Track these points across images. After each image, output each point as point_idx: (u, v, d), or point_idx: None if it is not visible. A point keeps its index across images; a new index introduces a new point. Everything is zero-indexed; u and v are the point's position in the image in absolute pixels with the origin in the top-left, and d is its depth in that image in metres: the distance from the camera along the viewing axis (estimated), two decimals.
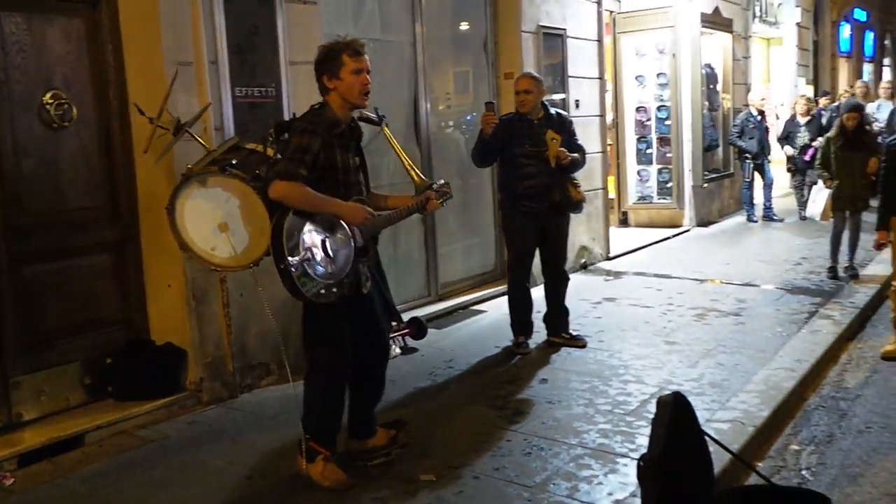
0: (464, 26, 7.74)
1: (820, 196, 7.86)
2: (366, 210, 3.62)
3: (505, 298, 7.25)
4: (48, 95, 4.46)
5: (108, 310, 4.81)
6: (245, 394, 5.04)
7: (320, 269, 3.49)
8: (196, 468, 4.01)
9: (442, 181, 4.09)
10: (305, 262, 3.44)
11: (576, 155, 5.59)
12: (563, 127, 5.59)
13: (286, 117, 5.18)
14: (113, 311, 4.83)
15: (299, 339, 5.19)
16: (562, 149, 5.46)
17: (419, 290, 7.02)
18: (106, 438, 4.40)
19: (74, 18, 4.57)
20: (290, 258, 3.39)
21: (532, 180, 5.46)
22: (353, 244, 3.63)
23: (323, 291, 3.50)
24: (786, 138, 11.16)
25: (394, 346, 5.72)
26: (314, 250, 3.49)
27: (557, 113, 5.72)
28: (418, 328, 5.98)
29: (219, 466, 4.00)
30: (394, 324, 5.78)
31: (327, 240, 3.54)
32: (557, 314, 5.87)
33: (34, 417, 4.45)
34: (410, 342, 5.93)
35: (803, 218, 10.49)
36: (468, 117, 7.82)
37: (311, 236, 3.49)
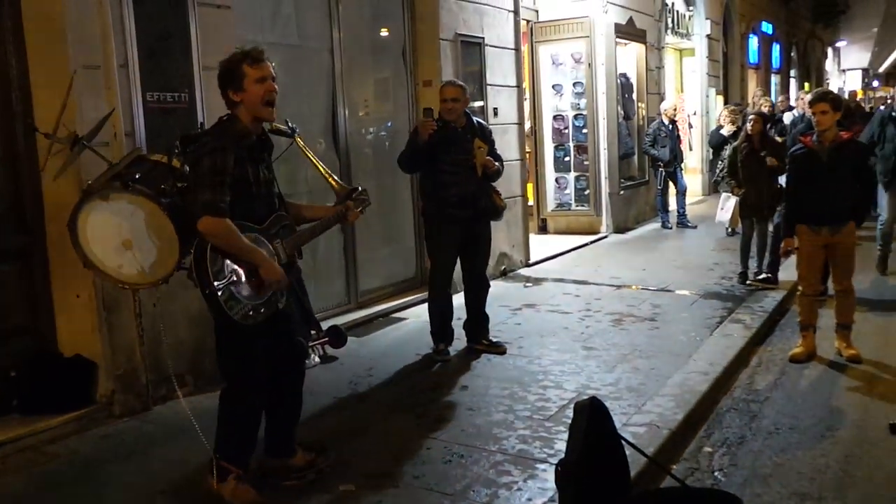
0: (383, 33, 7.74)
1: (728, 203, 8.14)
2: (283, 278, 3.54)
3: (425, 306, 7.34)
4: None
5: (13, 320, 4.64)
6: (159, 406, 4.92)
7: (245, 292, 3.44)
8: (108, 484, 3.90)
9: (359, 188, 4.08)
10: (231, 285, 3.39)
11: (498, 165, 5.69)
12: (485, 136, 5.69)
13: (199, 123, 5.12)
14: (18, 321, 4.67)
15: (214, 349, 5.17)
16: (488, 157, 5.54)
17: (338, 298, 6.99)
18: (11, 455, 4.24)
19: None
20: (215, 283, 3.33)
21: (457, 188, 5.51)
22: (277, 262, 3.57)
23: (251, 313, 3.45)
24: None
25: (313, 355, 5.67)
26: (239, 273, 3.43)
27: (479, 122, 5.79)
28: (337, 337, 5.94)
29: (132, 481, 3.90)
30: (313, 332, 5.78)
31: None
32: (478, 321, 5.93)
33: None
34: (330, 351, 5.88)
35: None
36: (387, 124, 7.83)
37: (237, 259, 3.43)
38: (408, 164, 5.73)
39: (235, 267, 3.42)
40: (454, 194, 5.52)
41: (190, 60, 5.14)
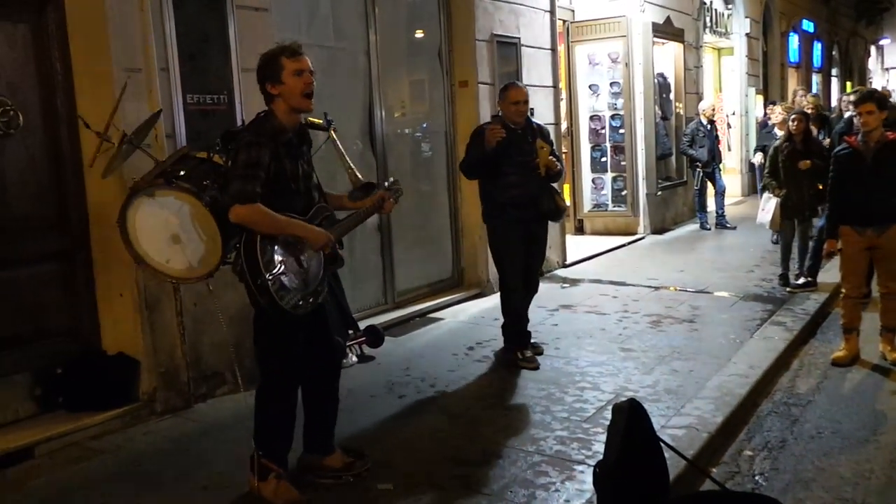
0: (418, 35, 7.76)
1: (769, 204, 8.02)
2: (328, 236, 3.60)
3: (462, 306, 7.40)
4: None
5: (59, 320, 4.72)
6: (200, 404, 4.98)
7: (296, 280, 3.49)
8: (150, 480, 3.95)
9: (391, 179, 4.10)
10: (281, 276, 3.44)
11: (560, 165, 5.68)
12: (545, 137, 5.64)
13: (238, 122, 5.17)
14: (63, 320, 4.74)
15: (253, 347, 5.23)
16: (551, 157, 5.52)
17: (376, 298, 7.01)
18: (57, 450, 4.32)
19: (19, 24, 4.49)
20: (266, 274, 3.37)
21: (520, 189, 5.45)
22: (321, 252, 3.64)
23: (301, 302, 3.50)
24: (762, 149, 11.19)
25: (350, 355, 5.71)
26: (288, 263, 3.48)
27: (537, 123, 5.75)
28: (375, 336, 5.97)
29: (173, 478, 3.95)
30: (350, 332, 5.80)
31: (299, 251, 3.54)
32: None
33: None
34: (367, 350, 5.91)
35: None
36: (424, 125, 7.85)
37: (285, 249, 3.48)
38: (474, 171, 5.61)
39: (284, 258, 3.47)
40: (518, 196, 5.45)
41: (228, 63, 5.20)
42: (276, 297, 3.39)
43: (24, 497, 3.83)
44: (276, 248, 3.45)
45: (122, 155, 3.97)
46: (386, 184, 4.07)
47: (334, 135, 4.29)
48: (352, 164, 4.36)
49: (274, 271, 3.40)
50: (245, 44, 5.26)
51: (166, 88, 4.83)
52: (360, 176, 4.27)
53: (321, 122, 4.13)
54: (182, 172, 3.67)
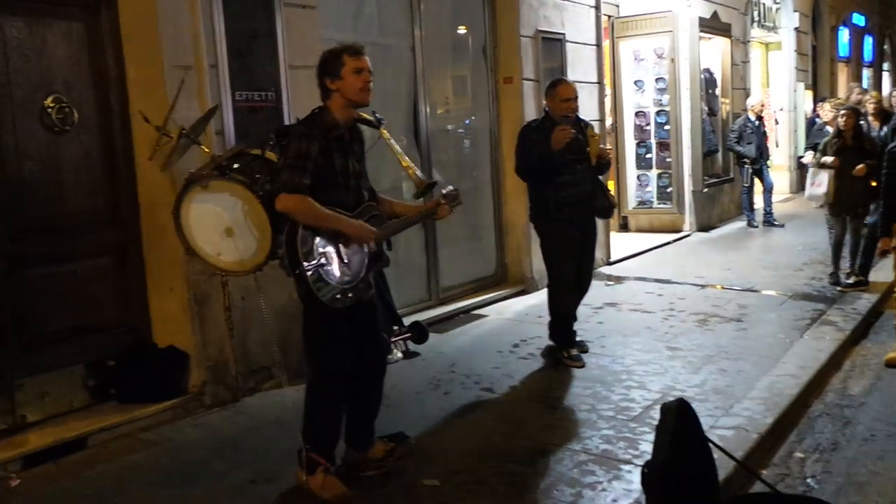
0: (463, 31, 7.75)
1: (820, 177, 7.66)
2: (371, 231, 3.62)
3: (506, 303, 7.39)
4: (49, 99, 4.47)
5: (110, 312, 4.81)
6: (247, 397, 5.04)
7: (335, 274, 3.52)
8: (200, 472, 4.00)
9: (451, 187, 4.07)
10: (320, 268, 3.46)
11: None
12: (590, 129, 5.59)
13: (286, 121, 5.22)
14: (115, 313, 4.83)
15: (301, 343, 5.26)
16: (602, 145, 5.45)
17: (420, 294, 7.03)
18: (109, 441, 4.41)
19: (75, 22, 4.58)
20: (304, 263, 3.41)
21: (574, 188, 5.39)
22: (366, 249, 3.66)
23: (339, 296, 3.52)
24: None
25: (395, 351, 5.73)
26: (329, 255, 3.51)
27: (582, 119, 5.69)
28: (420, 333, 5.98)
29: (222, 470, 4.00)
30: (395, 328, 5.83)
31: (341, 245, 3.56)
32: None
33: (38, 419, 4.46)
34: (412, 346, 5.92)
35: None
36: (468, 121, 7.84)
37: (325, 241, 3.51)
38: (533, 171, 5.47)
39: (325, 250, 3.50)
40: (573, 195, 5.38)
41: (276, 60, 5.23)
42: (313, 288, 3.43)
43: (80, 485, 3.91)
44: (317, 239, 3.49)
45: (180, 149, 4.07)
46: (444, 191, 4.03)
47: (386, 133, 4.30)
48: (411, 163, 4.36)
49: (313, 262, 3.44)
50: (292, 41, 5.30)
51: (215, 85, 4.88)
52: (421, 175, 4.26)
53: (372, 118, 4.14)
54: (236, 166, 3.75)
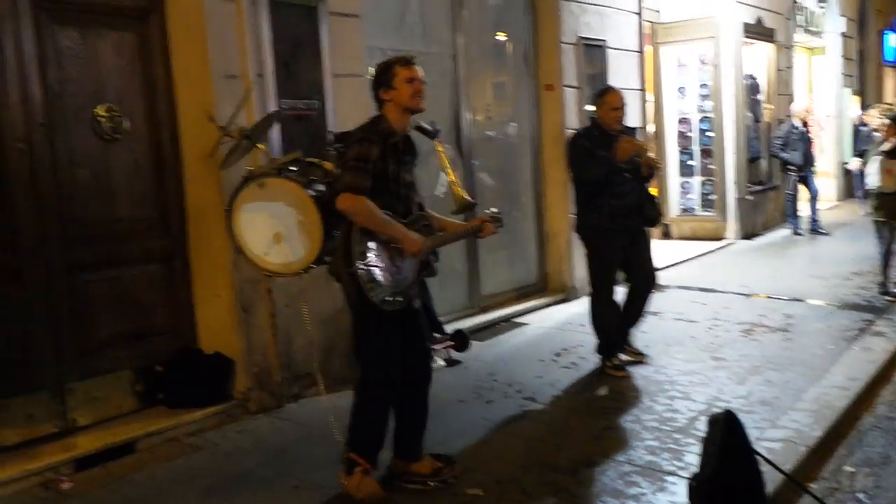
0: (504, 38, 7.76)
1: (873, 167, 7.46)
2: (421, 244, 3.66)
3: (547, 311, 7.39)
4: (101, 108, 4.56)
5: (158, 319, 4.89)
6: (291, 404, 5.08)
7: (387, 276, 3.58)
8: (245, 478, 4.05)
9: (494, 209, 4.08)
10: (373, 268, 3.53)
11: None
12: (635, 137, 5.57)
13: (330, 130, 5.27)
14: (163, 319, 4.91)
15: (344, 350, 5.30)
16: (650, 154, 5.43)
17: (462, 302, 7.05)
18: (157, 445, 4.48)
19: (126, 32, 4.68)
20: (358, 262, 3.48)
21: (626, 198, 5.35)
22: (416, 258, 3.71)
23: (389, 298, 3.58)
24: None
25: (437, 359, 5.74)
26: (382, 258, 3.57)
27: (626, 125, 5.65)
28: (462, 340, 5.99)
29: (267, 477, 4.04)
30: (437, 335, 5.84)
31: (395, 250, 3.62)
32: (632, 323, 5.75)
33: (88, 423, 4.55)
34: (454, 355, 5.93)
35: None
36: (509, 129, 7.85)
37: (379, 244, 3.57)
38: (593, 183, 5.36)
39: (379, 253, 3.56)
40: (625, 205, 5.35)
41: (320, 69, 5.29)
42: (365, 288, 3.50)
43: (128, 489, 3.98)
44: (371, 241, 3.55)
45: (241, 150, 4.20)
46: (488, 212, 4.06)
47: (440, 146, 4.32)
48: (456, 179, 4.39)
49: (366, 262, 3.51)
50: (336, 50, 5.36)
51: (261, 94, 4.95)
52: (464, 194, 4.27)
53: (429, 128, 4.18)
54: (293, 168, 3.91)
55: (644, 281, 5.64)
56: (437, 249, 3.91)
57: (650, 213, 5.50)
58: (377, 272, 3.54)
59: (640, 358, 5.72)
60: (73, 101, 4.45)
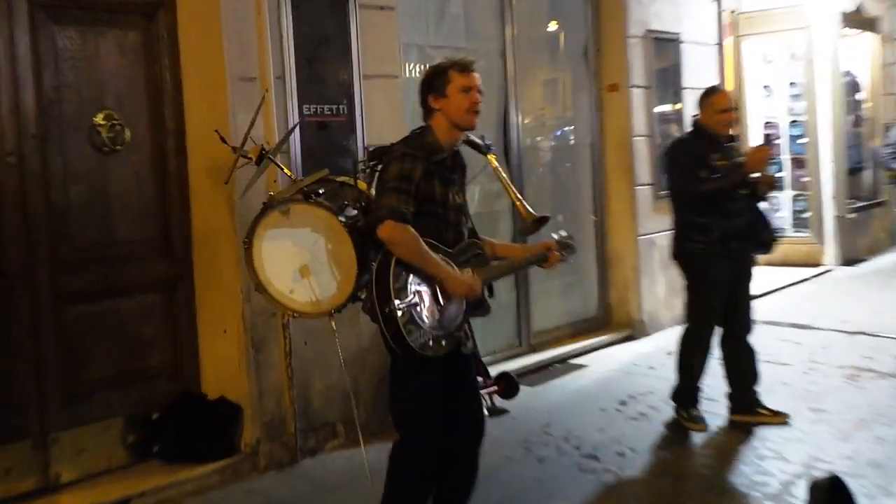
0: (561, 32, 7.80)
1: None
2: (469, 286, 3.58)
3: (610, 351, 7.35)
4: (100, 116, 4.66)
5: (157, 357, 4.95)
6: (307, 459, 5.09)
7: (429, 317, 3.50)
8: None
9: (564, 233, 4.04)
10: (413, 308, 3.46)
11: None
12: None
13: (359, 138, 5.32)
14: (162, 359, 4.97)
15: (371, 395, 5.32)
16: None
17: (508, 340, 7.04)
18: None
19: (130, 31, 4.78)
20: (396, 301, 3.41)
21: (736, 218, 5.30)
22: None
23: (431, 343, 3.49)
24: None
25: None
26: (423, 295, 3.51)
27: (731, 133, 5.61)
28: (508, 385, 5.97)
29: None
30: (480, 379, 5.82)
31: (437, 285, 3.56)
32: (753, 380, 5.56)
33: (74, 479, 4.58)
34: (499, 402, 5.92)
35: None
36: (566, 135, 7.88)
37: (421, 279, 3.52)
38: (704, 202, 5.29)
39: (420, 289, 3.50)
40: (735, 226, 5.29)
41: (349, 69, 5.35)
42: (403, 330, 3.40)
43: None
44: (412, 276, 3.49)
45: (260, 171, 4.22)
46: (555, 236, 4.01)
47: (495, 161, 4.32)
48: (519, 196, 4.37)
49: (405, 301, 3.44)
50: (368, 47, 5.42)
51: (281, 98, 5.02)
52: (530, 209, 4.25)
53: (480, 142, 4.17)
54: (322, 191, 3.87)
55: (744, 322, 5.54)
56: (493, 283, 3.83)
57: (765, 237, 5.43)
58: (418, 311, 3.47)
59: (776, 419, 5.48)
60: (70, 109, 4.55)
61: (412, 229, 3.44)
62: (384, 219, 3.42)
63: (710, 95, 5.46)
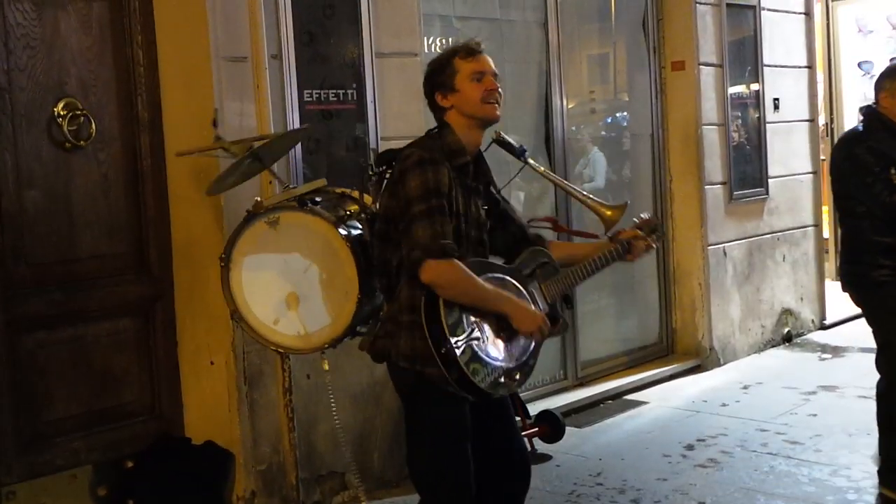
0: None
1: None
2: (542, 320, 3.53)
3: (674, 384, 7.35)
4: (60, 105, 4.65)
5: (131, 394, 4.95)
6: None
7: (493, 351, 3.47)
8: None
9: (646, 214, 3.98)
10: (474, 342, 3.42)
11: None
12: None
13: (371, 129, 5.32)
14: (136, 396, 4.97)
15: (387, 440, 5.30)
16: None
17: (551, 372, 7.03)
18: None
19: (95, 2, 4.77)
20: (452, 338, 3.36)
21: None
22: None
23: (503, 381, 3.47)
24: None
25: None
26: (482, 325, 3.46)
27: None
28: (552, 426, 5.98)
29: None
30: (518, 419, 5.80)
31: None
32: None
33: None
34: (541, 446, 5.94)
35: None
36: (620, 122, 7.88)
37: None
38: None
39: (477, 319, 3.45)
40: None
41: (359, 46, 5.36)
42: (468, 371, 3.35)
43: None
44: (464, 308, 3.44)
45: (243, 171, 4.16)
46: (637, 220, 3.94)
47: (534, 162, 4.26)
48: (588, 194, 4.30)
49: (463, 336, 3.39)
50: (381, 18, 5.44)
51: (277, 82, 5.01)
52: (611, 205, 4.11)
53: (514, 144, 4.12)
54: (318, 199, 3.85)
55: None
56: (571, 296, 3.87)
57: None
58: (481, 346, 3.43)
59: None
60: (24, 98, 4.54)
61: (458, 265, 3.34)
62: (421, 261, 3.32)
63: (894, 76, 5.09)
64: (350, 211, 3.81)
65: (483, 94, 3.53)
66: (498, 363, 3.46)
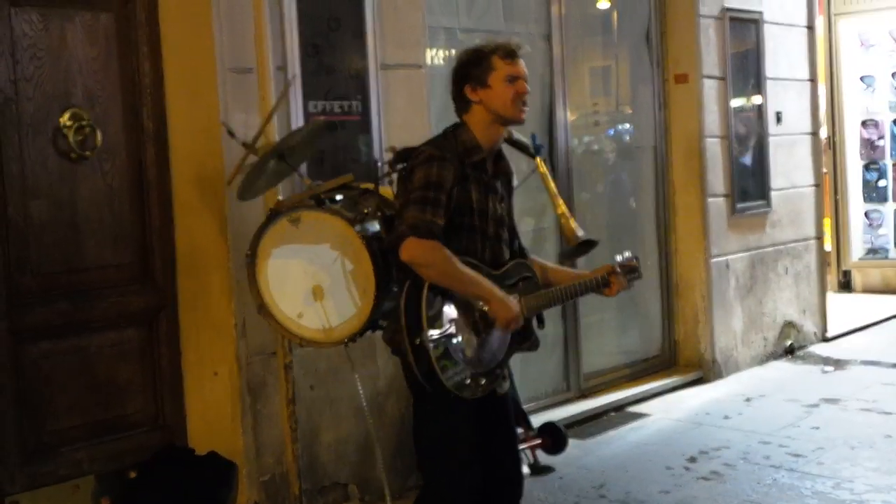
0: (617, 10, 7.80)
1: None
2: (516, 312, 3.58)
3: (676, 396, 7.35)
4: (66, 116, 4.65)
5: (134, 405, 4.93)
6: None
7: (467, 351, 3.51)
8: None
9: (628, 254, 3.99)
10: (448, 339, 3.47)
11: None
12: None
13: (376, 140, 5.32)
14: (140, 406, 4.96)
15: (390, 450, 5.28)
16: None
17: (554, 384, 7.02)
18: None
19: (102, 14, 4.78)
20: (429, 331, 3.41)
21: None
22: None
23: (468, 382, 3.50)
24: None
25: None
26: (461, 326, 3.51)
27: None
28: (554, 438, 5.93)
29: None
30: (520, 431, 5.79)
31: (478, 313, 3.56)
32: None
33: None
34: (543, 458, 5.89)
35: None
36: (622, 135, 7.86)
37: (459, 307, 3.52)
38: None
39: (457, 318, 3.51)
40: None
41: (364, 57, 5.37)
42: (437, 366, 3.41)
43: None
44: (447, 302, 3.49)
45: (270, 173, 4.22)
46: (619, 258, 3.96)
47: (543, 166, 4.29)
48: (567, 211, 4.34)
49: (439, 332, 3.44)
50: (387, 30, 5.45)
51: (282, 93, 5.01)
52: (577, 230, 4.20)
53: (528, 143, 4.15)
54: (339, 198, 3.91)
55: None
56: (544, 312, 3.84)
57: None
58: (454, 344, 3.48)
59: None
60: (31, 108, 4.55)
61: (441, 246, 3.42)
62: (404, 236, 3.41)
63: None
64: (369, 208, 3.83)
65: (514, 97, 3.60)
66: (466, 366, 3.51)
